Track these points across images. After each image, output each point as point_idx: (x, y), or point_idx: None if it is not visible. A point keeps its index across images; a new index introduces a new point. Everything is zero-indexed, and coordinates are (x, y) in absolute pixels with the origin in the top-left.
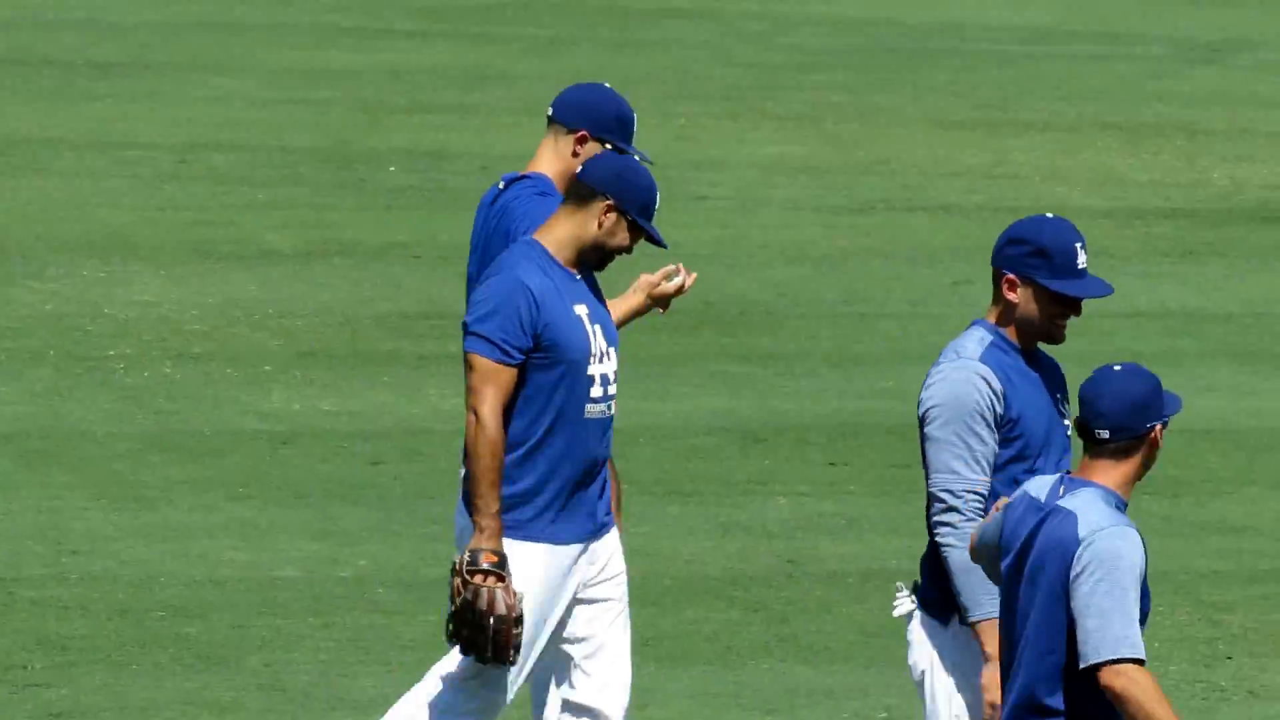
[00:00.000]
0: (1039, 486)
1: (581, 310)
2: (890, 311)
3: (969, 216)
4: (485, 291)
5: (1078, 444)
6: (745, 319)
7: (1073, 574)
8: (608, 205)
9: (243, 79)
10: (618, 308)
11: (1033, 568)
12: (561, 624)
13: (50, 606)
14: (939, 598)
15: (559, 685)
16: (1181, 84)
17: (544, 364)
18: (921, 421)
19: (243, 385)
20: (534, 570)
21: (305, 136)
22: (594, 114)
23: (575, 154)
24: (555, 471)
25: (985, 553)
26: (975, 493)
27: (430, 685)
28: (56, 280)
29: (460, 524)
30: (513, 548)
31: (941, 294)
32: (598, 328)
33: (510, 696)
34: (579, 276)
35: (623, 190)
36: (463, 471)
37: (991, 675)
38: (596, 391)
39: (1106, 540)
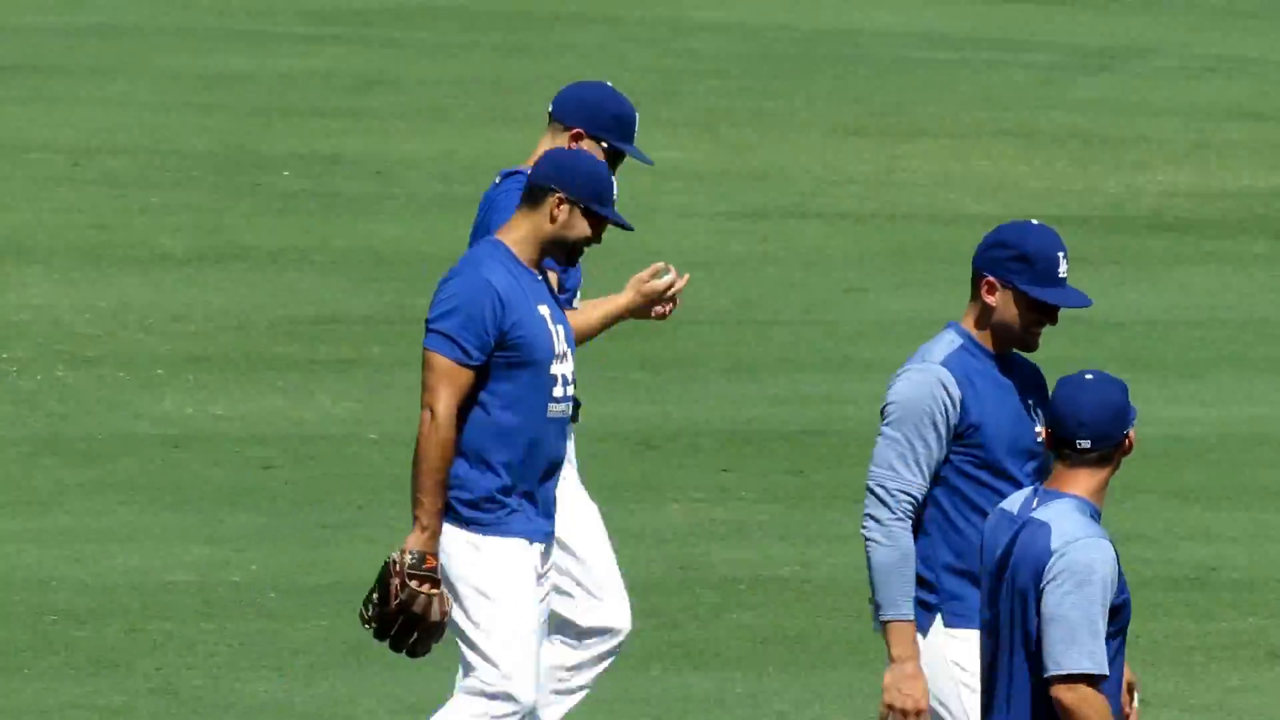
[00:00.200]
0: (1012, 500)
1: (544, 310)
2: (784, 318)
3: (862, 223)
4: (450, 289)
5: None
6: (639, 325)
7: (1043, 583)
8: (558, 198)
9: (137, 83)
10: (606, 305)
11: (1010, 583)
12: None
13: None
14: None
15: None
16: (1075, 91)
17: (512, 363)
18: (880, 416)
19: (135, 389)
20: (515, 565)
21: (199, 141)
22: (590, 112)
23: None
24: (524, 470)
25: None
26: (908, 494)
27: (459, 704)
28: None
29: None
30: (490, 544)
31: (835, 301)
32: (559, 328)
33: (535, 692)
34: (540, 278)
35: (569, 180)
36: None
37: (894, 677)
38: (559, 391)
39: (1079, 552)
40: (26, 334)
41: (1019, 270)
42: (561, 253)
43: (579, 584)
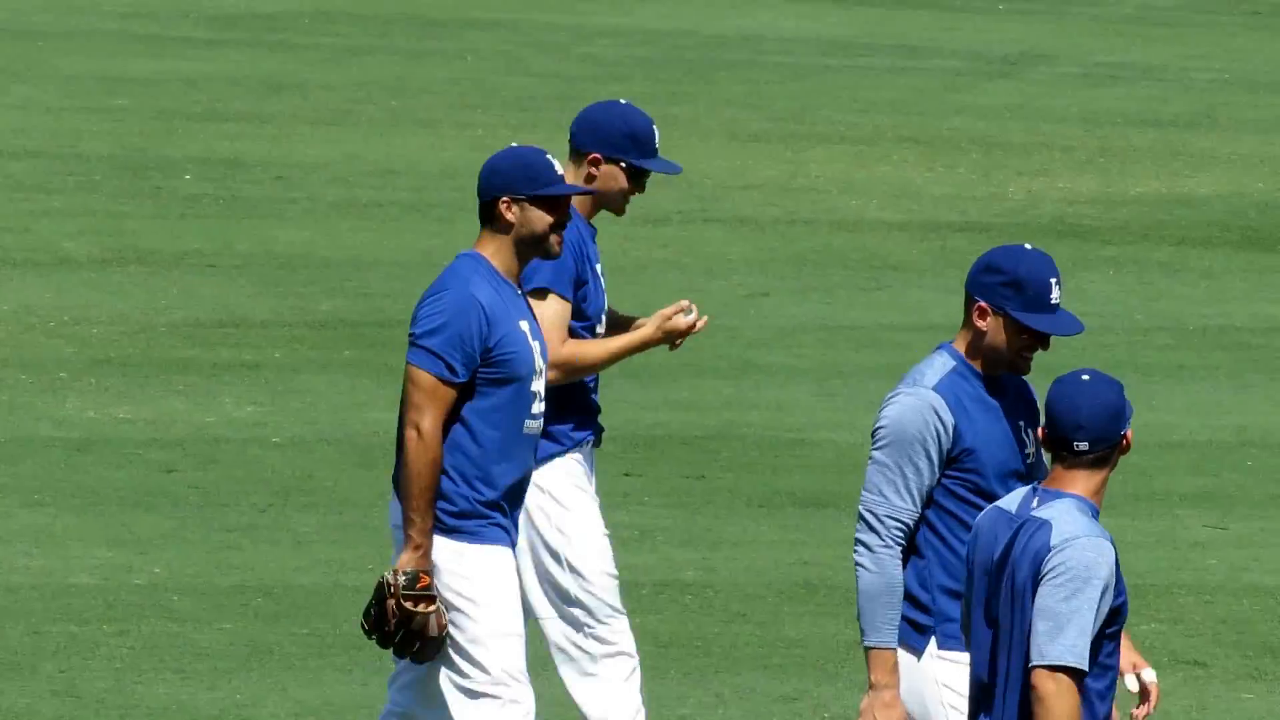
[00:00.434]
0: (1010, 500)
1: (525, 326)
2: None
3: (765, 229)
4: (436, 305)
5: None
6: None
7: (1040, 577)
8: (504, 203)
9: (38, 86)
10: (627, 337)
11: (1009, 580)
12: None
13: None
14: (908, 629)
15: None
16: (978, 97)
17: (494, 379)
18: (871, 439)
19: (38, 392)
20: (502, 572)
21: (101, 144)
22: (603, 134)
23: (592, 176)
24: (506, 484)
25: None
26: (898, 520)
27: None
28: None
29: (397, 526)
30: (475, 551)
31: (737, 306)
32: (537, 344)
33: (529, 690)
34: (520, 292)
35: (500, 182)
36: (398, 472)
37: (871, 703)
38: (536, 408)
39: (1078, 550)
40: None
41: (1010, 296)
42: (539, 250)
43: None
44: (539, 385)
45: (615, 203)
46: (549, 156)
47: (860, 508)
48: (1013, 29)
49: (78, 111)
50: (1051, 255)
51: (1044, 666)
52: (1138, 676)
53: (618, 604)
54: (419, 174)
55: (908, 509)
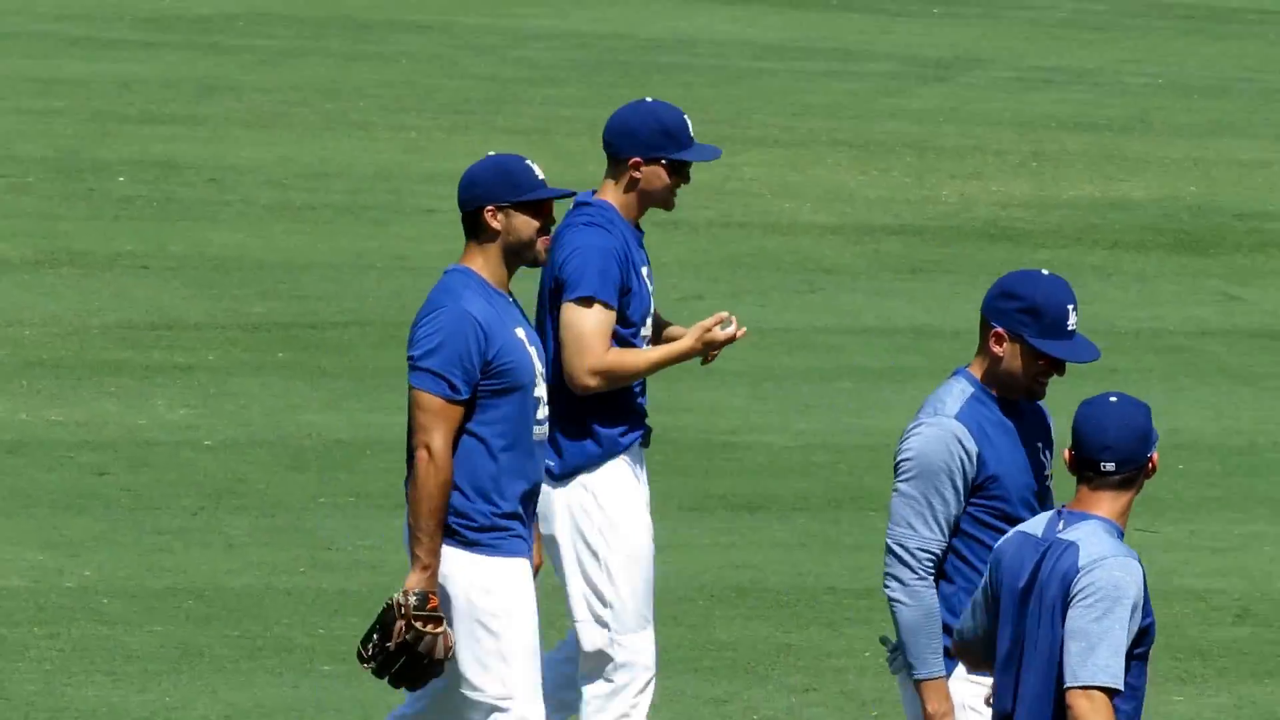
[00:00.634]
0: (1034, 524)
1: (521, 333)
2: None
3: (698, 231)
4: (432, 325)
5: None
6: None
7: (1070, 598)
8: (489, 212)
9: None
10: (671, 349)
11: (1037, 602)
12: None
13: None
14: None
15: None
16: (911, 101)
17: (497, 390)
18: (894, 471)
19: None
20: (522, 585)
21: (34, 146)
22: (638, 137)
23: (635, 179)
24: (520, 492)
25: (970, 635)
26: (928, 551)
27: None
28: None
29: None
30: (493, 565)
31: (670, 309)
32: (534, 350)
33: (541, 707)
34: (512, 299)
35: (484, 192)
36: (409, 484)
37: None
38: (541, 413)
39: (1107, 571)
40: None
41: (1028, 323)
42: (528, 256)
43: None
44: (541, 390)
45: (663, 200)
46: (528, 161)
47: (889, 541)
48: (946, 33)
49: (11, 113)
50: (984, 259)
51: (1078, 687)
52: None
53: (649, 614)
54: (353, 176)
55: (937, 539)
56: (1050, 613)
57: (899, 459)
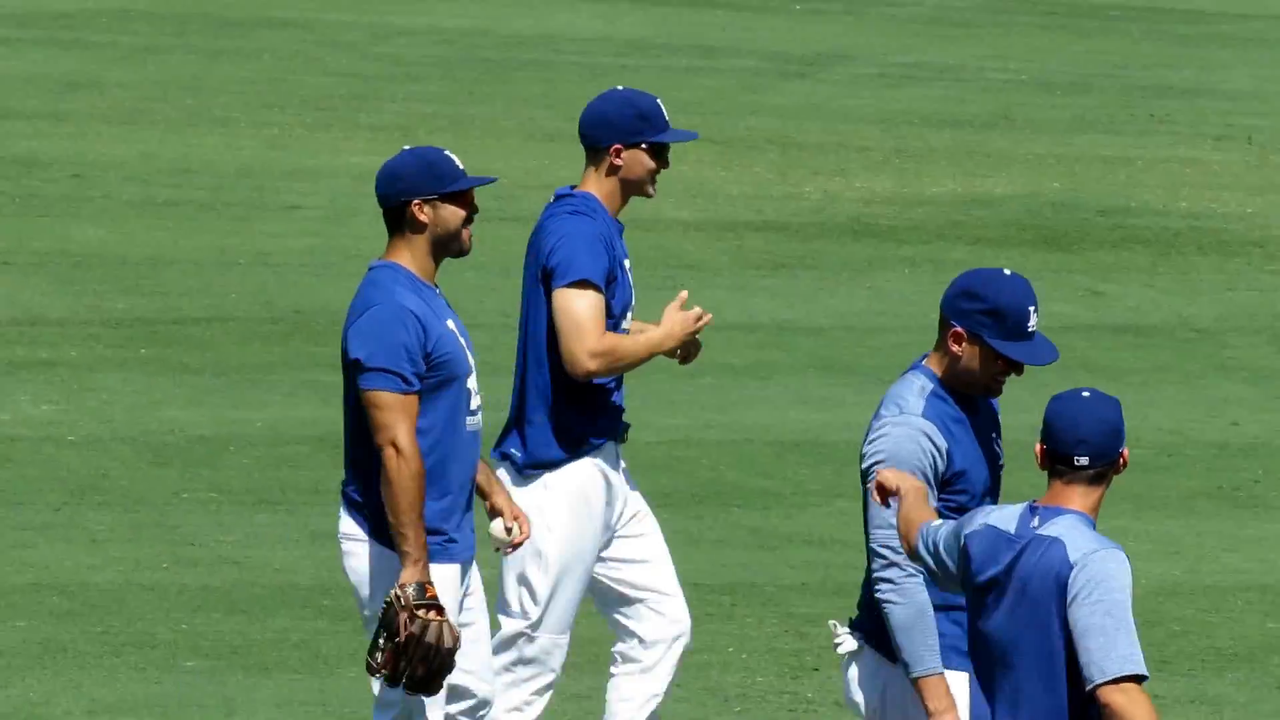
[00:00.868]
0: (1003, 518)
1: (452, 325)
2: (482, 322)
3: None
4: (369, 323)
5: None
6: (336, 328)
7: (1069, 598)
8: (416, 205)
9: None
10: (656, 339)
11: (1017, 599)
12: None
13: None
14: (885, 639)
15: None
16: (774, 97)
17: (435, 383)
18: (864, 476)
19: None
20: (450, 592)
21: None
22: (615, 124)
23: (616, 166)
24: (455, 490)
25: (931, 562)
26: None
27: None
28: None
29: (345, 535)
30: (436, 571)
31: None
32: (464, 340)
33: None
34: (439, 292)
35: (408, 185)
36: (349, 486)
37: None
38: (474, 403)
39: (1099, 563)
40: None
41: (989, 325)
42: (455, 247)
43: (641, 593)
44: (474, 382)
45: (644, 186)
46: (447, 152)
47: (873, 545)
48: (810, 30)
49: None
50: (847, 255)
51: (1108, 682)
52: None
53: (571, 621)
54: (215, 173)
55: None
56: (1040, 612)
57: (869, 461)
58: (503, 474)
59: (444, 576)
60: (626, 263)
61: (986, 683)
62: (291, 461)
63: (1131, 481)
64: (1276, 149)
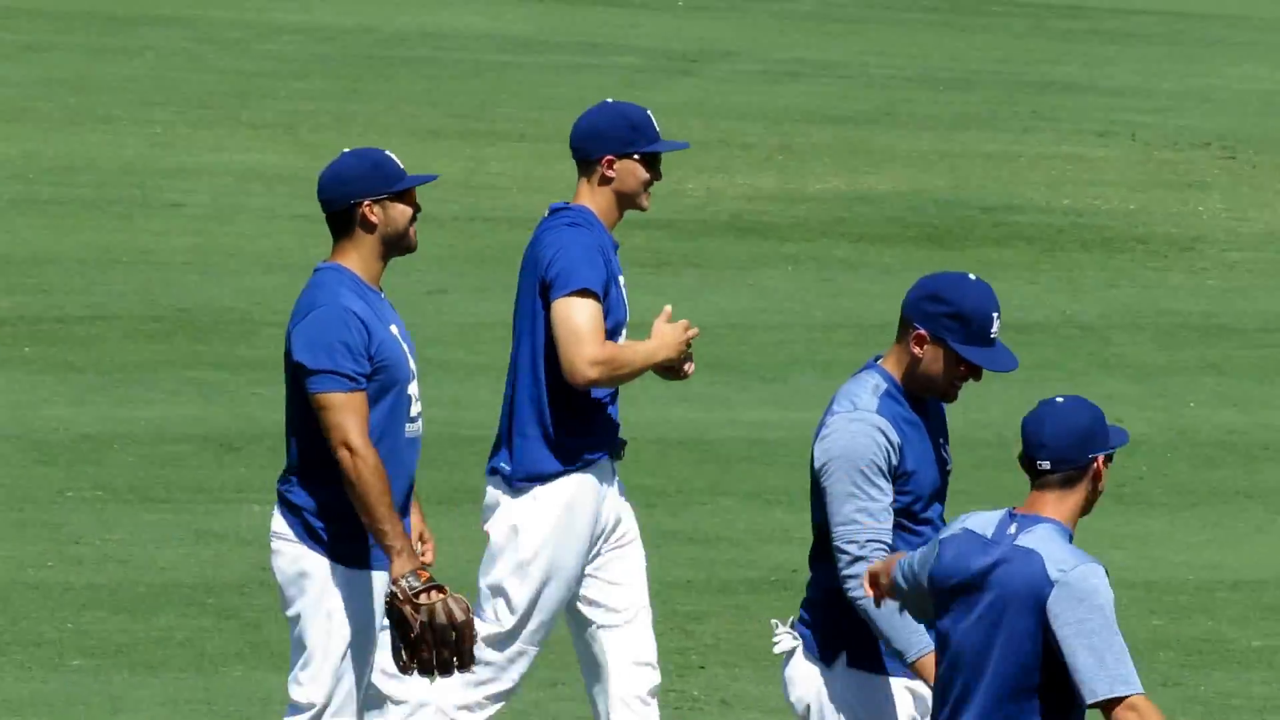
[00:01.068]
0: (981, 523)
1: (395, 330)
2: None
3: (444, 226)
4: (314, 325)
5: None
6: (220, 326)
7: (1050, 615)
8: (367, 206)
9: None
10: (655, 351)
11: (990, 608)
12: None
13: None
14: (822, 640)
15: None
16: (658, 94)
17: (375, 387)
18: (819, 474)
19: None
20: (373, 598)
21: None
22: (607, 136)
23: (609, 178)
24: (396, 491)
25: (909, 591)
26: (879, 541)
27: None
28: None
29: (276, 534)
30: (354, 577)
31: (416, 302)
32: (406, 346)
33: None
34: (384, 296)
35: (355, 187)
36: (284, 485)
37: None
38: (415, 410)
39: (1080, 579)
40: None
41: (954, 329)
42: (400, 247)
43: (610, 612)
44: (415, 388)
45: (638, 198)
46: (388, 152)
47: (838, 543)
48: (693, 26)
49: None
50: (730, 253)
51: (1112, 704)
52: None
53: (543, 638)
54: (99, 171)
55: (884, 528)
56: (1014, 625)
57: (824, 460)
58: (492, 489)
59: (361, 583)
60: (621, 279)
61: (944, 685)
62: (176, 460)
63: (1016, 479)
64: (1159, 145)
